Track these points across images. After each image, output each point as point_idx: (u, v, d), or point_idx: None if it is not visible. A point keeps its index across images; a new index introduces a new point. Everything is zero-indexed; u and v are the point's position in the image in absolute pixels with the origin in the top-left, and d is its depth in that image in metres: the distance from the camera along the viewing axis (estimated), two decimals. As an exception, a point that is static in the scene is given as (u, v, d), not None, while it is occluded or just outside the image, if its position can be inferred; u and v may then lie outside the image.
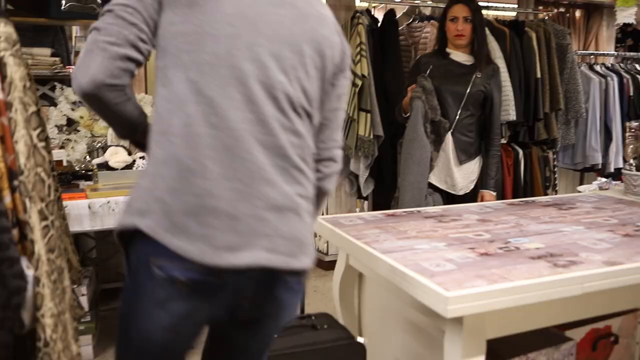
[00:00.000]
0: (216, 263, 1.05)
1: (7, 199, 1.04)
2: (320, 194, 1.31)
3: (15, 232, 1.05)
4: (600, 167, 4.21)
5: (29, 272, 1.05)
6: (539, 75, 3.71)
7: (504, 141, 3.66)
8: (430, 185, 2.82)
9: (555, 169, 3.94)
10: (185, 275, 1.06)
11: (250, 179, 1.08)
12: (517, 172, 3.75)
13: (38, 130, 1.06)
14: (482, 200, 2.76)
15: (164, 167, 1.08)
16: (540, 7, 4.29)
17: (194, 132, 1.07)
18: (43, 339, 1.06)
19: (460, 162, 2.74)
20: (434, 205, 2.63)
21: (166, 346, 1.13)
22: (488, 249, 1.65)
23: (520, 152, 3.76)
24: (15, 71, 1.04)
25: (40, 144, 1.06)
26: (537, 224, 1.95)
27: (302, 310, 2.19)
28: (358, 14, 3.54)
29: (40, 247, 1.07)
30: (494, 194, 2.79)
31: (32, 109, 1.06)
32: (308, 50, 1.18)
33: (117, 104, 1.08)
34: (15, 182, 1.04)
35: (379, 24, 3.67)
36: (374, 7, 4.61)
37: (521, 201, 2.41)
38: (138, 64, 1.10)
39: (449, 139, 2.74)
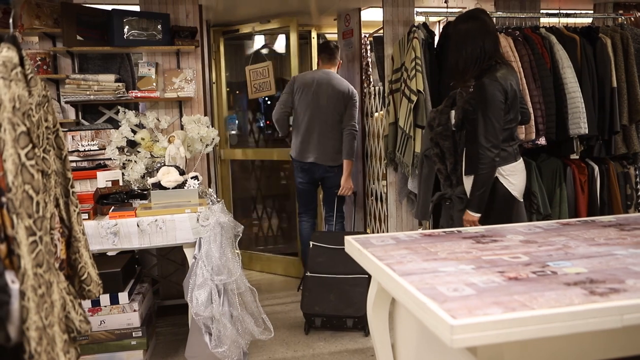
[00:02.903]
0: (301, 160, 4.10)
1: (-5, 215, 1.08)
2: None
3: (3, 247, 1.09)
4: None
5: (14, 286, 1.08)
6: (615, 84, 3.40)
7: (575, 156, 3.38)
8: None
9: (639, 187, 3.58)
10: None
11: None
12: (592, 190, 3.45)
13: (27, 149, 1.11)
14: None
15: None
16: (621, 11, 3.96)
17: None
18: (28, 351, 1.09)
19: (466, 173, 2.73)
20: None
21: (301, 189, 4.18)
22: (519, 273, 1.49)
23: (596, 168, 3.45)
24: (5, 93, 1.09)
25: (29, 162, 1.10)
26: (587, 246, 1.75)
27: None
28: (414, 28, 3.45)
29: (26, 262, 1.10)
30: (475, 215, 2.62)
31: (21, 128, 1.10)
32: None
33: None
34: (3, 199, 1.09)
35: (437, 38, 3.56)
36: (439, 20, 4.49)
37: (579, 221, 2.19)
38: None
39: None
